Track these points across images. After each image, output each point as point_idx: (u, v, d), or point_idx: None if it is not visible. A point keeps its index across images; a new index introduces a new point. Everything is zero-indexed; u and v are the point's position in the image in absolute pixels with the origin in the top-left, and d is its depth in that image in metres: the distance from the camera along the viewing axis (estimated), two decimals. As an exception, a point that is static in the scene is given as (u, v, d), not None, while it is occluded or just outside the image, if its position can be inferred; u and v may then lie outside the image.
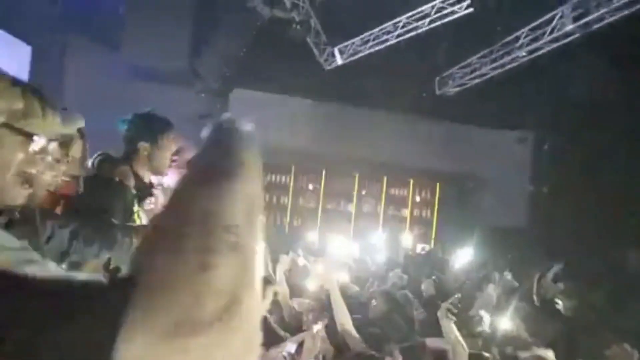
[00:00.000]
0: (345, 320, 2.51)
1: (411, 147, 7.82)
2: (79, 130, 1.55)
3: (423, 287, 3.69)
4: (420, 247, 7.43)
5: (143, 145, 1.97)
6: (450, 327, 2.30)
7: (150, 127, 2.00)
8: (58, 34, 6.11)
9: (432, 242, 8.08)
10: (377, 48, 7.04)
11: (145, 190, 2.01)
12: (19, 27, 5.61)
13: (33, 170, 0.97)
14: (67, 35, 6.21)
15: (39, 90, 0.95)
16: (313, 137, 7.69)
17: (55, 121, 0.98)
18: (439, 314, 2.37)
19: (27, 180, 0.95)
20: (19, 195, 0.95)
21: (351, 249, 5.25)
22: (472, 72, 7.30)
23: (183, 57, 6.57)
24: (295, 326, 2.78)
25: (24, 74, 5.94)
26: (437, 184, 8.22)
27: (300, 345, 2.33)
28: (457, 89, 7.54)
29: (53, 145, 1.05)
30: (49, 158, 1.04)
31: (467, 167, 8.08)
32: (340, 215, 8.00)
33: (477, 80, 7.29)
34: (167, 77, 6.61)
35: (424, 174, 8.02)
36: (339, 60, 7.31)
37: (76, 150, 1.52)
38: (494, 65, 6.96)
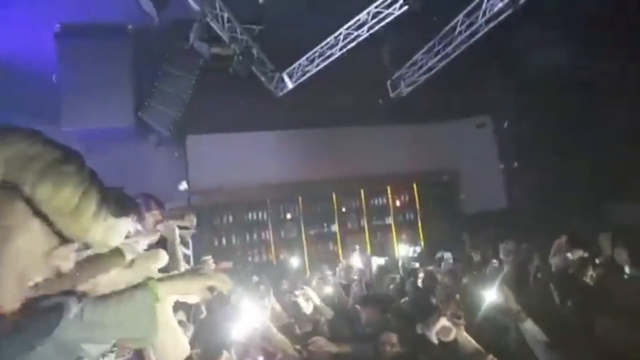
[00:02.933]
0: None
1: (381, 155, 7.76)
2: None
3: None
4: (411, 250, 7.31)
5: None
6: None
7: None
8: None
9: (422, 242, 7.96)
10: (324, 64, 7.02)
11: None
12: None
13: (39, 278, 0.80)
14: (7, 117, 5.81)
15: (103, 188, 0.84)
16: (281, 167, 7.50)
17: (99, 228, 0.83)
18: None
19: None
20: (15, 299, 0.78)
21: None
22: (419, 68, 7.40)
23: (128, 112, 6.27)
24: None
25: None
26: (414, 185, 8.18)
27: None
28: (410, 88, 7.61)
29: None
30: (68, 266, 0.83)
31: (438, 162, 8.10)
32: (324, 237, 7.76)
33: (426, 76, 7.39)
34: (116, 135, 6.29)
35: (399, 178, 7.97)
36: (289, 84, 7.24)
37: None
38: (439, 57, 7.09)
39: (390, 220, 7.99)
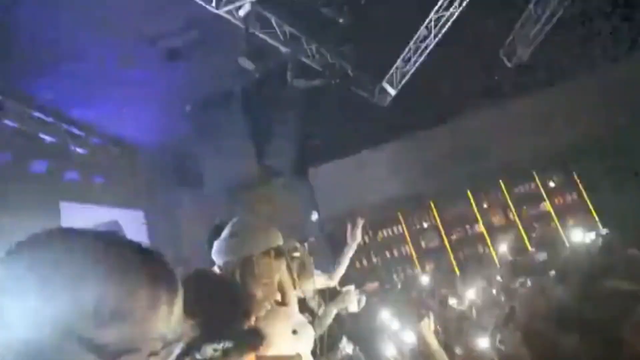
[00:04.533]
0: None
1: (516, 135, 6.73)
2: None
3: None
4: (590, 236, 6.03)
5: None
6: None
7: None
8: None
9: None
10: (421, 59, 6.58)
11: None
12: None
13: None
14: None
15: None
16: (406, 176, 7.20)
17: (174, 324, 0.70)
18: None
19: None
20: None
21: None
22: (537, 20, 6.23)
23: (253, 162, 6.99)
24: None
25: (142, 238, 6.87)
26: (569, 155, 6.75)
27: None
28: (530, 48, 6.47)
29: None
30: None
31: (595, 124, 6.58)
32: (469, 240, 7.04)
33: (549, 26, 6.17)
34: (248, 185, 7.03)
35: (546, 157, 6.71)
36: (392, 92, 6.99)
37: None
38: None
39: (545, 206, 6.75)
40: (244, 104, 7.15)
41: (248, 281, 1.74)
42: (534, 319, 1.46)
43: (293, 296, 2.34)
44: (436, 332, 3.47)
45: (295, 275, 2.47)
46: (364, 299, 3.53)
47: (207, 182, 7.07)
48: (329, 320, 3.05)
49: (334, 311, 3.19)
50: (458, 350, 3.57)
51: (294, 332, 1.90)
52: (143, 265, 0.65)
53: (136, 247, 0.69)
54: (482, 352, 2.81)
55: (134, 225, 6.73)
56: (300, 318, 2.19)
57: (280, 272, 2.30)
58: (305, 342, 1.98)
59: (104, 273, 0.62)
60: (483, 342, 3.05)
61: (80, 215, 5.62)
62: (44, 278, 0.61)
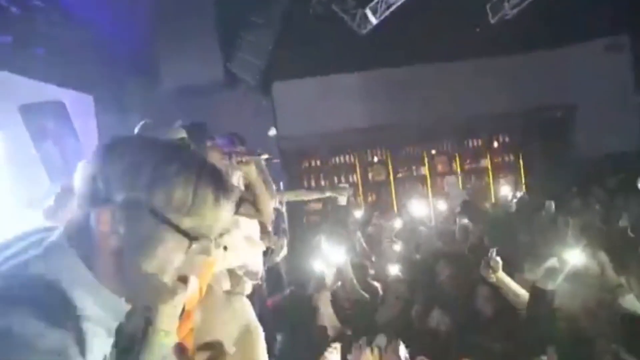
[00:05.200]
0: None
1: (478, 92, 6.98)
2: None
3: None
4: (510, 196, 6.74)
5: None
6: None
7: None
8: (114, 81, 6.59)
9: (523, 187, 7.23)
10: (409, -6, 6.32)
11: None
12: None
13: (189, 274, 0.85)
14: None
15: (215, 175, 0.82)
16: (367, 109, 7.31)
17: (225, 215, 0.83)
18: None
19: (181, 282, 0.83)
20: (169, 299, 0.87)
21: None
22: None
23: (217, 65, 6.64)
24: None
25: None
26: (518, 122, 7.26)
27: None
28: (516, 9, 6.45)
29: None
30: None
31: (550, 95, 6.98)
32: (413, 180, 7.57)
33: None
34: (207, 88, 6.77)
35: (498, 117, 7.13)
36: (373, 20, 6.73)
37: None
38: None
39: (485, 162, 7.35)
40: (215, 1, 6.57)
41: None
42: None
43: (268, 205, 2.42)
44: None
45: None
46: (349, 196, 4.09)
47: (165, 78, 6.68)
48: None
49: (327, 194, 3.97)
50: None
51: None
52: (212, 175, 0.81)
53: (203, 159, 0.85)
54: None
55: (81, 110, 6.35)
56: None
57: (250, 172, 2.33)
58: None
59: (186, 175, 0.78)
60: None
61: (17, 90, 5.14)
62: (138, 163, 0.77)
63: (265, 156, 2.91)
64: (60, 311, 0.72)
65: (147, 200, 0.75)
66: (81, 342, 0.72)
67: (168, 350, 1.00)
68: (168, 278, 0.79)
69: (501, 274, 2.54)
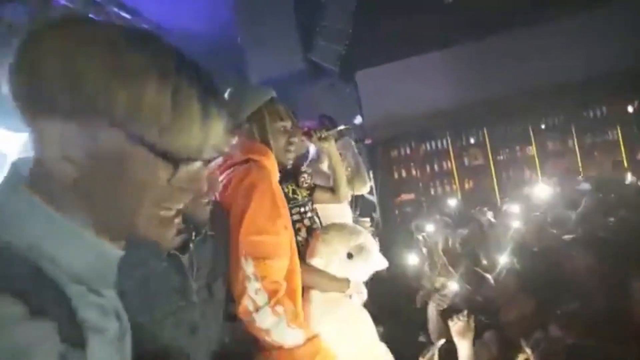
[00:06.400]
0: None
1: (593, 49, 5.99)
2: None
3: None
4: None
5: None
6: None
7: None
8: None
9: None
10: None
11: None
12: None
13: (172, 208, 0.64)
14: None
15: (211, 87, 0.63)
16: (456, 88, 6.74)
17: (218, 130, 0.63)
18: None
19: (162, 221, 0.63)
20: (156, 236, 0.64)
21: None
22: None
23: (298, 56, 6.70)
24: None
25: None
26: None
27: None
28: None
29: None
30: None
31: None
32: (518, 162, 6.67)
33: None
34: (292, 80, 6.82)
35: (619, 77, 6.00)
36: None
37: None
38: None
39: (614, 134, 6.16)
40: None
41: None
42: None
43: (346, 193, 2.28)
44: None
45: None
46: None
47: (251, 75, 6.90)
48: None
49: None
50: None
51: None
52: (196, 70, 0.61)
53: (181, 53, 0.62)
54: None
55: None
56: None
57: (330, 148, 2.23)
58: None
59: (158, 69, 0.56)
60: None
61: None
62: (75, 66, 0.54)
63: (342, 127, 2.86)
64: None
65: (105, 109, 0.54)
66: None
67: None
68: (156, 209, 0.61)
69: None
